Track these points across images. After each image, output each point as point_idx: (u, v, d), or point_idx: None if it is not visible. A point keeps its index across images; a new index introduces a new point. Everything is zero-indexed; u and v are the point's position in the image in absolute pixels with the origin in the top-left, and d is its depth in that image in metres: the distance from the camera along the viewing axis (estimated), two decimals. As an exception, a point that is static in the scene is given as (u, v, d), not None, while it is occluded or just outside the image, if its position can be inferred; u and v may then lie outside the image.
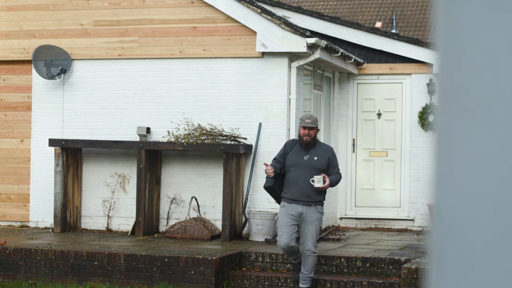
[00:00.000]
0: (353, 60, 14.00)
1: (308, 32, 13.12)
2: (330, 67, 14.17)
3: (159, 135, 12.89)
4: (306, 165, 9.45)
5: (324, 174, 9.40)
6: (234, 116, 12.65)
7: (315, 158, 9.48)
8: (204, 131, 12.41)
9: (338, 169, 9.68)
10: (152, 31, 13.06)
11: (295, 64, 12.54)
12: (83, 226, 13.35)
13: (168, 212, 12.99)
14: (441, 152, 1.29)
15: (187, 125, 12.61)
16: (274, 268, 10.77)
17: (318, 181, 9.36)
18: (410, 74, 14.45)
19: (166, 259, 10.45)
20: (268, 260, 10.84)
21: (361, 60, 14.51)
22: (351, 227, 14.62)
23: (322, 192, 9.50)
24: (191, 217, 12.62)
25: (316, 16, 14.99)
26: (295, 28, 12.41)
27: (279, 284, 10.32)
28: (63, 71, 13.29)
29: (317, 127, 9.63)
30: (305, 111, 13.05)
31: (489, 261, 1.23)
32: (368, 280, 10.20)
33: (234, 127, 12.56)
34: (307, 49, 12.16)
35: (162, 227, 13.00)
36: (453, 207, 1.26)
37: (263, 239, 12.13)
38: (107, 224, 13.24)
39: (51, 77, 13.31)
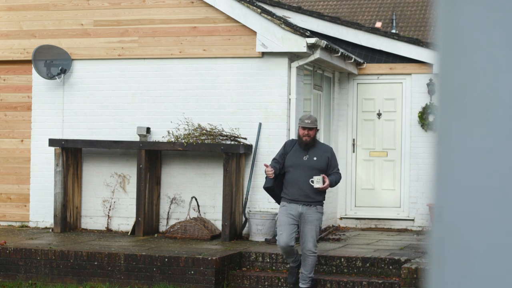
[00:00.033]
0: (353, 60, 14.00)
1: (308, 32, 13.12)
2: (330, 67, 14.17)
3: (159, 135, 12.89)
4: (305, 166, 9.43)
5: (323, 175, 9.37)
6: (234, 116, 12.65)
7: (315, 158, 9.46)
8: (204, 131, 12.41)
9: (338, 169, 9.65)
10: (152, 31, 13.06)
11: (295, 64, 12.54)
12: (83, 226, 13.35)
13: (168, 212, 12.99)
14: (441, 152, 1.29)
15: (187, 125, 12.62)
16: (274, 268, 10.77)
17: (317, 181, 9.34)
18: (410, 74, 14.45)
19: (166, 259, 10.45)
20: (268, 260, 10.84)
21: (361, 60, 14.51)
22: (351, 227, 14.62)
23: (322, 192, 9.49)
24: (191, 217, 12.62)
25: (316, 16, 14.99)
26: (295, 28, 12.41)
27: (279, 284, 10.32)
28: (63, 71, 13.29)
29: (316, 127, 9.61)
30: (305, 111, 13.05)
31: (489, 261, 1.23)
32: (368, 280, 10.20)
33: (234, 127, 12.56)
34: (307, 49, 12.16)
35: (162, 227, 13.00)
36: (453, 207, 1.26)
37: (263, 239, 12.13)
38: (107, 224, 13.24)
39: (51, 77, 13.31)
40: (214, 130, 12.43)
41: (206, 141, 12.33)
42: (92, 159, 13.32)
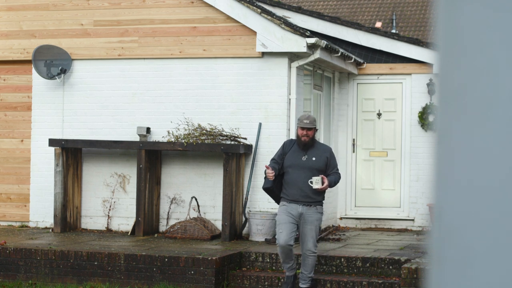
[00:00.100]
0: (353, 60, 14.00)
1: (308, 32, 13.12)
2: (330, 67, 14.17)
3: (159, 135, 12.90)
4: (304, 166, 9.38)
5: (322, 175, 9.32)
6: (234, 116, 12.65)
7: (314, 158, 9.42)
8: (204, 131, 12.41)
9: (337, 169, 9.60)
10: (152, 31, 13.06)
11: (295, 64, 12.54)
12: (83, 226, 13.35)
13: (168, 212, 12.99)
14: (441, 152, 1.29)
15: (187, 125, 12.62)
16: (274, 268, 10.77)
17: (316, 182, 9.29)
18: (410, 74, 14.45)
19: (166, 259, 10.45)
20: (268, 260, 10.84)
21: (361, 60, 14.51)
22: (351, 227, 14.62)
23: (321, 192, 9.46)
24: (191, 217, 12.62)
25: (316, 16, 14.99)
26: (295, 28, 12.41)
27: (279, 284, 10.31)
28: (63, 71, 13.29)
29: (315, 128, 9.56)
30: (305, 111, 13.04)
31: (489, 261, 1.23)
32: (368, 280, 10.20)
33: (234, 127, 12.57)
34: (307, 49, 12.16)
35: (162, 227, 13.00)
36: (453, 207, 1.26)
37: (263, 239, 12.13)
38: (107, 224, 13.24)
39: (51, 77, 13.31)
40: (214, 130, 12.43)
41: (206, 141, 12.33)
42: (92, 159, 13.32)
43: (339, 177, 9.62)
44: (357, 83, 14.90)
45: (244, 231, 12.52)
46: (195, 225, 12.28)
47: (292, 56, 12.57)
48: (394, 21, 21.00)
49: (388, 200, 14.66)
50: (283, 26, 12.26)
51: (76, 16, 13.41)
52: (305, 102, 13.36)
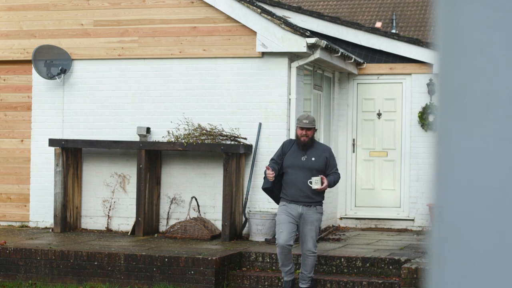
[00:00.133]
0: (353, 60, 14.00)
1: (308, 32, 13.12)
2: (330, 67, 14.17)
3: (159, 135, 12.90)
4: (304, 166, 9.34)
5: (322, 176, 9.28)
6: (234, 116, 12.65)
7: (313, 158, 9.37)
8: (204, 131, 12.41)
9: (337, 169, 9.54)
10: (152, 31, 13.06)
11: (295, 64, 12.54)
12: (83, 226, 13.35)
13: (168, 212, 12.99)
14: (441, 152, 1.29)
15: (187, 125, 12.62)
16: (274, 268, 10.76)
17: (316, 182, 9.24)
18: (410, 74, 14.45)
19: (166, 259, 10.45)
20: (268, 260, 10.84)
21: (361, 60, 14.51)
22: (351, 227, 14.62)
23: (321, 192, 9.42)
24: (191, 217, 12.62)
25: (316, 16, 14.99)
26: (295, 28, 12.41)
27: (279, 284, 10.31)
28: (63, 71, 13.29)
29: (314, 127, 9.52)
30: (305, 111, 13.04)
31: (489, 261, 1.23)
32: (368, 280, 10.20)
33: (234, 127, 12.56)
34: (307, 49, 12.16)
35: (162, 227, 13.00)
36: (453, 207, 1.26)
37: (263, 239, 12.13)
38: (107, 224, 13.24)
39: (51, 77, 13.31)
40: (214, 130, 12.43)
41: (206, 141, 12.33)
42: (92, 159, 13.32)
43: (339, 177, 9.57)
44: (357, 83, 14.90)
45: (244, 231, 12.52)
46: (195, 225, 12.28)
47: (292, 56, 12.57)
48: (394, 21, 21.00)
49: (388, 200, 14.66)
50: (283, 26, 12.25)
51: (76, 16, 13.41)
52: (305, 102, 13.36)
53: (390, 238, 13.09)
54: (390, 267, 10.45)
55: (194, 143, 12.26)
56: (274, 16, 12.64)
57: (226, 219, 12.08)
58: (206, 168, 12.83)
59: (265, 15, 12.39)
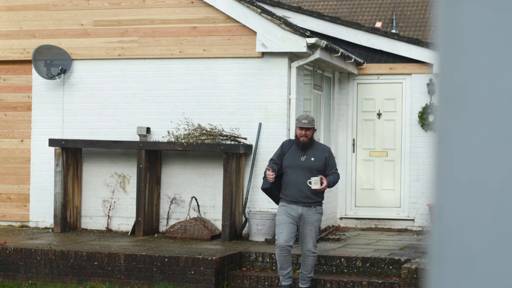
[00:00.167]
0: (353, 60, 14.00)
1: (308, 32, 13.12)
2: (330, 67, 14.17)
3: (159, 135, 12.90)
4: (303, 166, 9.29)
5: (321, 176, 9.24)
6: (234, 116, 12.65)
7: (312, 159, 9.33)
8: (204, 131, 12.41)
9: (336, 169, 9.50)
10: (152, 31, 13.06)
11: (295, 64, 12.54)
12: (83, 226, 13.35)
13: (168, 212, 12.99)
14: (441, 152, 1.29)
15: (187, 125, 12.62)
16: (274, 268, 10.76)
17: (315, 182, 9.20)
18: (410, 74, 14.45)
19: (166, 259, 10.45)
20: (268, 260, 10.84)
21: (361, 60, 14.51)
22: (351, 227, 14.62)
23: (320, 192, 9.36)
24: (191, 217, 12.62)
25: (316, 16, 14.99)
26: (295, 28, 12.41)
27: (279, 284, 10.30)
28: (63, 71, 13.29)
29: (313, 127, 9.48)
30: (305, 111, 13.05)
31: (489, 261, 1.23)
32: (368, 280, 10.20)
33: (234, 127, 12.56)
34: (307, 49, 12.16)
35: (162, 227, 13.00)
36: (453, 207, 1.26)
37: (263, 239, 12.13)
38: (107, 224, 13.24)
39: (51, 77, 13.31)
40: (214, 130, 12.43)
41: (206, 141, 12.33)
42: (92, 159, 13.32)
43: (338, 177, 9.54)
44: (357, 83, 14.90)
45: (244, 231, 12.52)
46: (195, 225, 12.28)
47: (292, 56, 12.57)
48: (394, 21, 21.00)
49: (388, 200, 14.66)
50: (283, 26, 12.25)
51: (76, 16, 13.41)
52: (305, 102, 13.36)
53: (390, 238, 13.09)
54: (390, 267, 10.45)
55: (194, 143, 12.26)
56: (274, 16, 12.64)
57: (226, 219, 12.08)
58: (206, 168, 12.83)
59: (265, 15, 12.39)
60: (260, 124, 12.56)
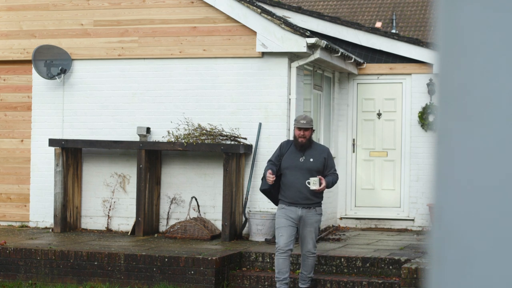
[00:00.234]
0: (353, 60, 14.00)
1: (308, 32, 13.12)
2: (330, 67, 14.17)
3: (159, 135, 12.89)
4: (302, 167, 9.23)
5: (320, 176, 9.19)
6: (234, 116, 12.65)
7: (311, 159, 9.28)
8: (204, 131, 12.41)
9: (335, 170, 9.45)
10: (152, 31, 13.06)
11: (295, 64, 12.54)
12: (83, 226, 13.35)
13: (168, 212, 12.99)
14: (441, 152, 1.29)
15: (187, 125, 12.62)
16: (274, 268, 10.75)
17: (314, 183, 9.15)
18: (410, 74, 14.45)
19: (166, 259, 10.45)
20: (268, 260, 10.84)
21: (361, 60, 14.51)
22: (351, 227, 14.62)
23: (320, 193, 9.30)
24: (191, 217, 12.62)
25: (316, 16, 14.99)
26: (295, 28, 12.41)
27: None
28: (63, 71, 13.29)
29: (312, 128, 9.43)
30: (305, 111, 13.06)
31: (489, 261, 1.23)
32: (368, 280, 10.20)
33: (234, 127, 12.56)
34: (307, 49, 12.16)
35: (162, 227, 13.00)
36: (453, 207, 1.26)
37: (263, 239, 12.13)
38: (107, 224, 13.24)
39: (51, 77, 13.31)
40: (214, 130, 12.43)
41: (206, 141, 12.33)
42: (92, 159, 13.32)
43: (337, 178, 9.47)
44: (357, 83, 14.90)
45: (244, 231, 12.52)
46: (195, 225, 12.28)
47: (292, 56, 12.57)
48: (394, 21, 21.00)
49: (388, 200, 14.66)
50: (283, 26, 12.25)
51: (76, 16, 13.41)
52: (305, 102, 13.36)
53: (390, 238, 13.09)
54: (390, 267, 10.45)
55: (194, 143, 12.26)
56: (274, 16, 12.64)
57: (226, 219, 12.08)
58: (206, 168, 12.83)
59: (265, 15, 12.39)
60: (260, 124, 12.56)
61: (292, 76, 12.52)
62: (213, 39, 12.77)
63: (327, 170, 9.33)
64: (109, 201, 13.23)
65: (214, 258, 10.28)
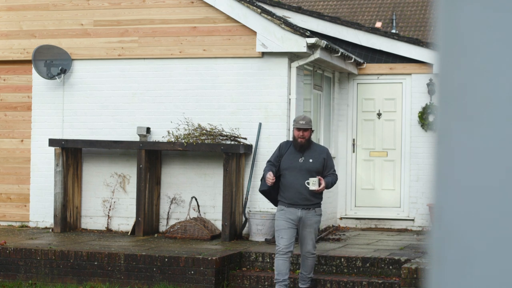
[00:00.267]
0: (353, 60, 14.00)
1: (308, 32, 13.12)
2: (330, 67, 14.17)
3: (159, 135, 12.90)
4: (301, 168, 9.20)
5: (319, 177, 9.16)
6: (234, 116, 12.65)
7: (310, 160, 9.25)
8: (204, 131, 12.41)
9: (334, 170, 9.41)
10: (152, 31, 13.06)
11: (295, 64, 12.54)
12: (83, 226, 13.35)
13: (168, 212, 12.99)
14: (441, 152, 1.29)
15: (187, 125, 12.62)
16: (274, 268, 10.75)
17: (313, 183, 9.12)
18: (410, 74, 14.45)
19: (166, 259, 10.45)
20: (268, 260, 10.84)
21: (361, 60, 14.51)
22: (351, 227, 14.62)
23: (319, 193, 9.28)
24: (191, 217, 12.62)
25: (316, 16, 14.99)
26: (295, 28, 12.41)
27: None
28: (63, 71, 13.29)
29: (311, 128, 9.40)
30: (305, 111, 13.06)
31: (489, 261, 1.23)
32: (368, 280, 10.20)
33: (234, 127, 12.56)
34: (307, 49, 12.16)
35: (162, 227, 13.00)
36: (453, 207, 1.26)
37: (263, 239, 12.13)
38: (107, 224, 13.24)
39: (51, 77, 13.31)
40: (214, 130, 12.43)
41: (206, 141, 12.33)
42: (92, 159, 13.32)
43: (336, 178, 9.44)
44: (357, 83, 14.90)
45: (244, 231, 12.52)
46: (195, 225, 12.28)
47: (292, 56, 12.57)
48: (394, 21, 21.00)
49: (388, 200, 14.66)
50: (283, 26, 12.25)
51: (76, 16, 13.41)
52: (305, 102, 13.36)
53: (390, 238, 13.09)
54: (390, 267, 10.45)
55: (194, 143, 12.26)
56: (274, 16, 12.64)
57: (226, 219, 12.08)
58: (206, 168, 12.83)
59: (265, 15, 12.39)
60: (260, 124, 12.56)
61: (292, 76, 12.53)
62: (213, 39, 12.77)
63: (326, 171, 9.31)
64: (109, 201, 13.23)
65: (214, 258, 10.28)
